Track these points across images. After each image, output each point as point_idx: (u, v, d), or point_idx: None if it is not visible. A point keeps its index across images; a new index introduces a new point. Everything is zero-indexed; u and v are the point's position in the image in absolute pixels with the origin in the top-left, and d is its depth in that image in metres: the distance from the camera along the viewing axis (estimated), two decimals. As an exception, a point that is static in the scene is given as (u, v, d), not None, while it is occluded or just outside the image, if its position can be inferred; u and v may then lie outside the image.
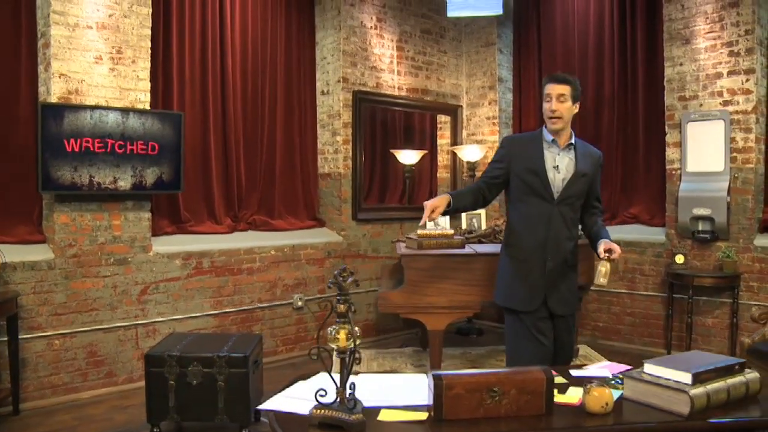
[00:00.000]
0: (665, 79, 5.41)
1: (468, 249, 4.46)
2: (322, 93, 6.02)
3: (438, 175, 6.92)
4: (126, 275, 4.58)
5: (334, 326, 1.78)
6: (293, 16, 5.86)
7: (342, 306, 1.77)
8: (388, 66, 6.19)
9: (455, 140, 6.81)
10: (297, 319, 5.55)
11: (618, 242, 5.53)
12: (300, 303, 5.52)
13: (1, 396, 3.96)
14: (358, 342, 1.79)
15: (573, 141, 3.09)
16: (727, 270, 4.99)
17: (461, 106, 6.89)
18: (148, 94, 4.64)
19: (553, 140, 3.05)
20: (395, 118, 6.51)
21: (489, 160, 3.43)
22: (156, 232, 4.90)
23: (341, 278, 1.77)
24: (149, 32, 4.63)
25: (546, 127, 3.11)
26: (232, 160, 5.43)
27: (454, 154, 6.64)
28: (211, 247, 5.06)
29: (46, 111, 4.10)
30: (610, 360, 5.26)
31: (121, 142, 4.40)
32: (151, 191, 4.61)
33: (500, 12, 5.99)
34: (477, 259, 4.27)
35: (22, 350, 4.09)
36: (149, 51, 4.64)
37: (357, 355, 1.76)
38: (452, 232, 4.57)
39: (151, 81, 4.73)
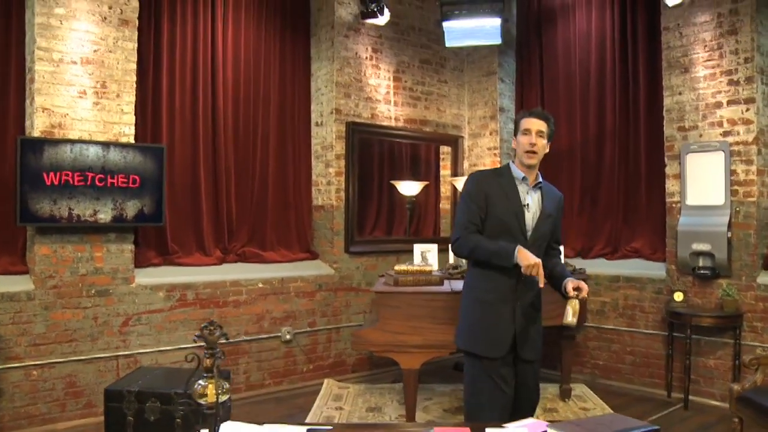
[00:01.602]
0: (664, 108, 5.21)
1: (446, 286, 4.34)
2: (317, 124, 5.99)
3: (441, 206, 6.81)
4: (107, 306, 4.60)
5: (201, 381, 1.71)
6: (287, 48, 5.86)
7: (209, 360, 1.70)
8: (384, 97, 6.14)
9: (456, 171, 6.69)
10: (285, 352, 5.47)
11: (617, 277, 5.46)
12: (288, 336, 5.45)
13: (-27, 427, 4.01)
14: (225, 397, 1.71)
15: (540, 180, 3.02)
16: (727, 309, 4.71)
17: (462, 136, 6.77)
18: (133, 128, 4.69)
19: (524, 178, 2.96)
20: (394, 150, 6.44)
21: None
22: (142, 263, 4.92)
23: (207, 332, 1.70)
24: (134, 66, 4.70)
25: (513, 163, 3.00)
26: (222, 191, 5.42)
27: (454, 186, 6.53)
28: (196, 279, 5.05)
29: (25, 145, 4.18)
30: (606, 402, 5.03)
31: (102, 175, 4.45)
32: (131, 224, 4.63)
33: (499, 42, 5.93)
34: (453, 297, 4.14)
35: (-2, 380, 4.14)
36: (134, 85, 4.70)
37: (219, 414, 1.68)
38: (431, 268, 4.46)
39: (140, 114, 4.82)
